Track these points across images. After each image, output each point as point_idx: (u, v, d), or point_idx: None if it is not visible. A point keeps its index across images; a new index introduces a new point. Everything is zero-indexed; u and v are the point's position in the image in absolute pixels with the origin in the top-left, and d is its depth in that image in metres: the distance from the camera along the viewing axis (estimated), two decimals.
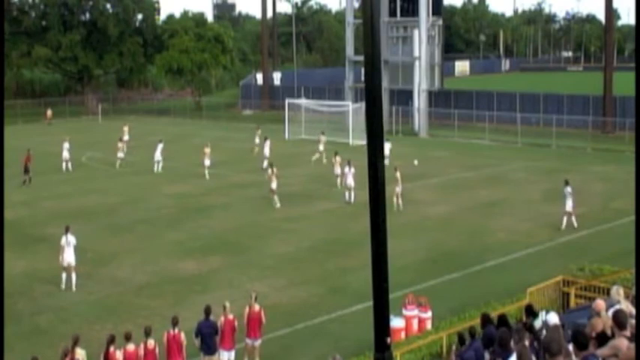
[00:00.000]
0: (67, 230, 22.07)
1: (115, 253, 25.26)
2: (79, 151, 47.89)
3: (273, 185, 31.65)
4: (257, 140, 45.24)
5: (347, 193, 32.53)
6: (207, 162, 38.68)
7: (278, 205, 31.45)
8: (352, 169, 32.24)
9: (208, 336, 15.28)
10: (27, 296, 21.12)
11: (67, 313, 19.87)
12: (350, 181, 32.33)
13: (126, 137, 47.24)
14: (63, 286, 21.61)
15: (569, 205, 27.54)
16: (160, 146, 41.37)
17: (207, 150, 39.00)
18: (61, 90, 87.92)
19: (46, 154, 49.18)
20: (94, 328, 18.17)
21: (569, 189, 27.69)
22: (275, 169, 32.35)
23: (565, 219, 27.58)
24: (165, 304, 20.03)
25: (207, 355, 15.40)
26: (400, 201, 30.50)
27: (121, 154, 43.18)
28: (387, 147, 39.71)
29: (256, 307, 15.95)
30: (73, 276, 21.63)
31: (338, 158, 35.99)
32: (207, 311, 15.43)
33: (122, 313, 19.60)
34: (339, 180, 35.28)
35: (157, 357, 14.53)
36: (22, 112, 69.79)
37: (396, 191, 30.18)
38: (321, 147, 43.13)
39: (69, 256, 21.72)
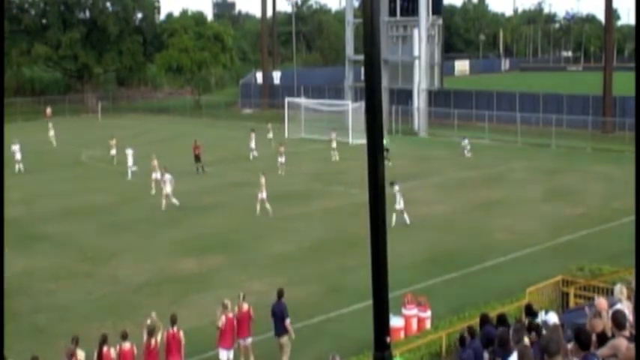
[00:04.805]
0: None
1: (115, 252, 25.24)
2: (79, 149, 47.92)
3: None
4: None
5: (164, 201, 31.35)
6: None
7: None
8: (169, 176, 31.53)
9: (276, 317, 15.96)
10: (26, 295, 21.11)
11: (66, 311, 19.87)
12: (168, 188, 31.36)
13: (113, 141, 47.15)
14: None
15: (400, 203, 27.78)
16: (253, 135, 45.00)
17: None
18: (61, 88, 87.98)
19: (45, 152, 49.21)
20: (93, 327, 18.13)
21: (397, 187, 27.77)
22: None
23: (405, 216, 27.94)
24: (165, 303, 20.00)
25: (276, 335, 16.07)
26: (268, 206, 29.72)
27: (113, 152, 43.69)
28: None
29: (245, 307, 16.06)
30: None
31: (282, 148, 39.67)
32: (280, 293, 16.08)
33: (121, 312, 19.58)
34: (280, 168, 38.80)
35: (157, 356, 14.56)
36: (21, 110, 69.85)
37: (259, 197, 29.81)
38: (334, 144, 44.43)
39: None
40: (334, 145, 44.12)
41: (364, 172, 9.20)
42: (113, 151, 43.28)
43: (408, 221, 27.97)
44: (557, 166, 41.60)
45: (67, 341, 14.90)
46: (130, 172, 38.74)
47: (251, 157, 44.51)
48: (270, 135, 49.36)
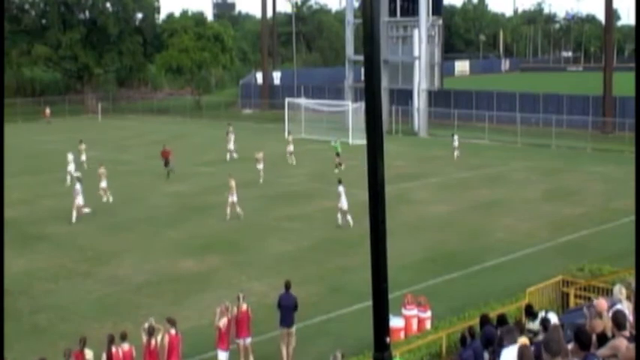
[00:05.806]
0: None
1: (115, 252, 25.24)
2: (78, 150, 47.79)
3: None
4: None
5: (74, 213, 29.44)
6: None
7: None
8: (79, 186, 29.89)
9: (286, 309, 16.24)
10: (26, 294, 21.10)
11: (67, 311, 19.86)
12: (79, 200, 29.53)
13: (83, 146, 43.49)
14: None
15: (343, 203, 27.75)
16: (232, 137, 44.83)
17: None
18: (61, 89, 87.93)
19: (45, 152, 49.22)
20: (93, 327, 18.15)
21: (340, 188, 27.91)
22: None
23: (349, 218, 27.73)
24: (165, 303, 20.02)
25: (283, 327, 16.34)
26: (239, 209, 29.35)
27: (83, 157, 41.69)
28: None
29: (244, 307, 16.10)
30: None
31: (260, 154, 37.70)
32: (288, 285, 16.48)
33: (121, 312, 19.58)
34: (261, 175, 37.29)
35: (157, 356, 14.57)
36: (21, 110, 69.84)
37: (229, 200, 29.43)
38: (291, 147, 43.31)
39: None
40: (291, 148, 42.90)
41: (364, 171, 9.21)
42: (83, 157, 41.31)
43: (351, 223, 27.44)
44: (557, 167, 41.61)
45: (68, 342, 14.92)
46: (68, 177, 36.87)
47: (228, 157, 44.24)
48: (232, 137, 46.10)
